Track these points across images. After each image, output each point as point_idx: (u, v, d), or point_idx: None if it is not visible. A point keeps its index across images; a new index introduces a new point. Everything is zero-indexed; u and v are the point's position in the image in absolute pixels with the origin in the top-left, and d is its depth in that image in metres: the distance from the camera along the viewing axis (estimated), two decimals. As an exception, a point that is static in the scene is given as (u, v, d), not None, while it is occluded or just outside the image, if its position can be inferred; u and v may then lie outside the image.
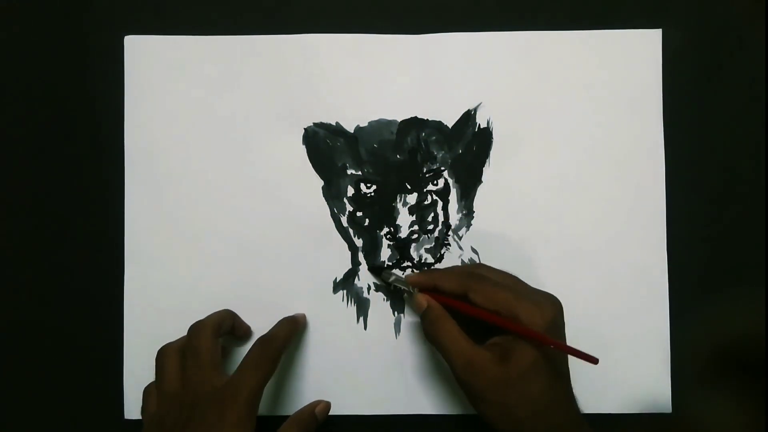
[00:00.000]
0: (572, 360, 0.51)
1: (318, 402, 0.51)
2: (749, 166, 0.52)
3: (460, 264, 0.52)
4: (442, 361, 0.51)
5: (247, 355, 0.46)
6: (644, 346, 0.51)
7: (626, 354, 0.51)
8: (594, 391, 0.51)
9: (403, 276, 0.51)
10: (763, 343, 0.49)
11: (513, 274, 0.48)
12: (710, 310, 0.51)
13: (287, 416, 0.50)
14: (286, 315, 0.52)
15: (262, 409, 0.51)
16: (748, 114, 0.52)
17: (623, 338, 0.51)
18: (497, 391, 0.43)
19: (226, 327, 0.49)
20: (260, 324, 0.52)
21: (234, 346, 0.52)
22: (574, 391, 0.51)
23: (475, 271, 0.47)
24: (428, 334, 0.46)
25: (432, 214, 0.52)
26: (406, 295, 0.52)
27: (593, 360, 0.42)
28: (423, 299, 0.47)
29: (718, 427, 0.50)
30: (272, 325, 0.50)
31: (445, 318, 0.46)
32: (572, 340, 0.51)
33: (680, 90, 0.52)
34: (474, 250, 0.52)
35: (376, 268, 0.52)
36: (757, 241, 0.52)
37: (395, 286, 0.51)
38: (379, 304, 0.52)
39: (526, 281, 0.48)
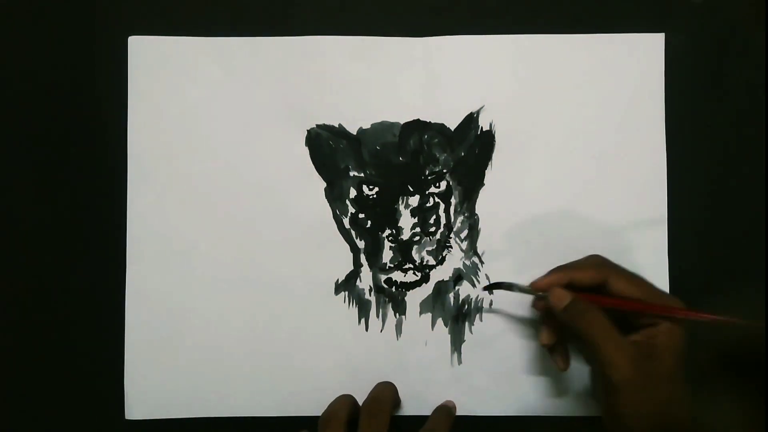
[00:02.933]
0: (572, 360, 0.51)
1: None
2: (750, 170, 0.52)
3: (461, 266, 0.52)
4: (442, 363, 0.52)
5: None
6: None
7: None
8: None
9: (528, 285, 0.49)
10: (763, 343, 0.50)
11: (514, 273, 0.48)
12: (710, 310, 0.51)
13: (287, 417, 0.51)
14: (288, 315, 0.52)
15: (263, 409, 0.51)
16: (749, 118, 0.52)
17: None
18: (653, 389, 0.42)
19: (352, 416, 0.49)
20: (260, 323, 0.52)
21: None
22: (572, 392, 0.52)
23: (606, 261, 0.47)
24: (580, 328, 0.44)
25: (434, 217, 0.52)
26: (533, 301, 0.50)
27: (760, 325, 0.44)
28: (563, 292, 0.45)
29: (718, 429, 0.50)
30: (274, 328, 0.50)
31: (596, 310, 0.44)
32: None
33: (682, 94, 0.52)
34: (476, 253, 0.52)
35: (494, 285, 0.51)
36: (757, 242, 0.52)
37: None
38: (380, 305, 0.52)
39: (527, 282, 0.48)
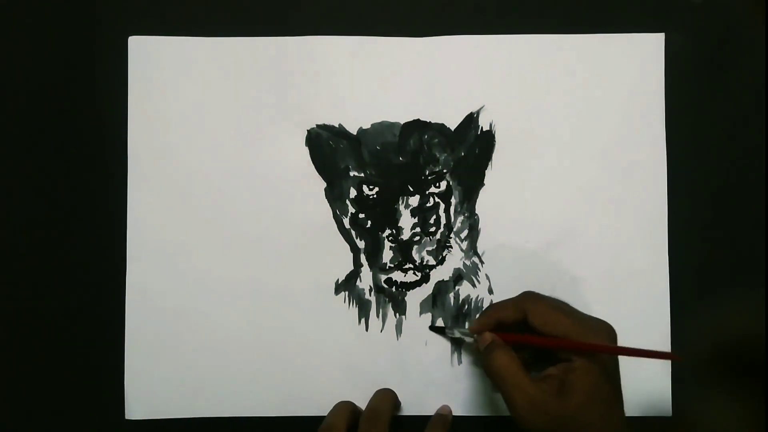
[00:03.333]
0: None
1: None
2: (750, 169, 0.52)
3: (462, 266, 0.52)
4: (442, 363, 0.52)
5: None
6: (644, 348, 0.51)
7: (626, 357, 0.51)
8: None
9: (466, 328, 0.51)
10: (763, 343, 0.50)
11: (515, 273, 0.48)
12: (710, 310, 0.51)
13: (287, 417, 0.50)
14: (288, 315, 0.52)
15: (263, 409, 0.51)
16: (749, 117, 0.52)
17: (623, 340, 0.51)
18: (557, 426, 0.42)
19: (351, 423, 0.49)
20: (260, 323, 0.52)
21: None
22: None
23: (529, 293, 0.48)
24: (488, 368, 0.45)
25: (434, 217, 0.52)
26: (472, 342, 0.51)
27: (676, 357, 0.44)
28: (488, 335, 0.47)
29: (718, 429, 0.50)
30: (274, 328, 0.50)
31: (505, 349, 0.45)
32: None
33: (682, 93, 0.52)
34: (476, 253, 0.52)
35: (437, 328, 0.52)
36: (757, 242, 0.52)
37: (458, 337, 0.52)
38: (380, 305, 0.52)
39: (527, 283, 0.48)
